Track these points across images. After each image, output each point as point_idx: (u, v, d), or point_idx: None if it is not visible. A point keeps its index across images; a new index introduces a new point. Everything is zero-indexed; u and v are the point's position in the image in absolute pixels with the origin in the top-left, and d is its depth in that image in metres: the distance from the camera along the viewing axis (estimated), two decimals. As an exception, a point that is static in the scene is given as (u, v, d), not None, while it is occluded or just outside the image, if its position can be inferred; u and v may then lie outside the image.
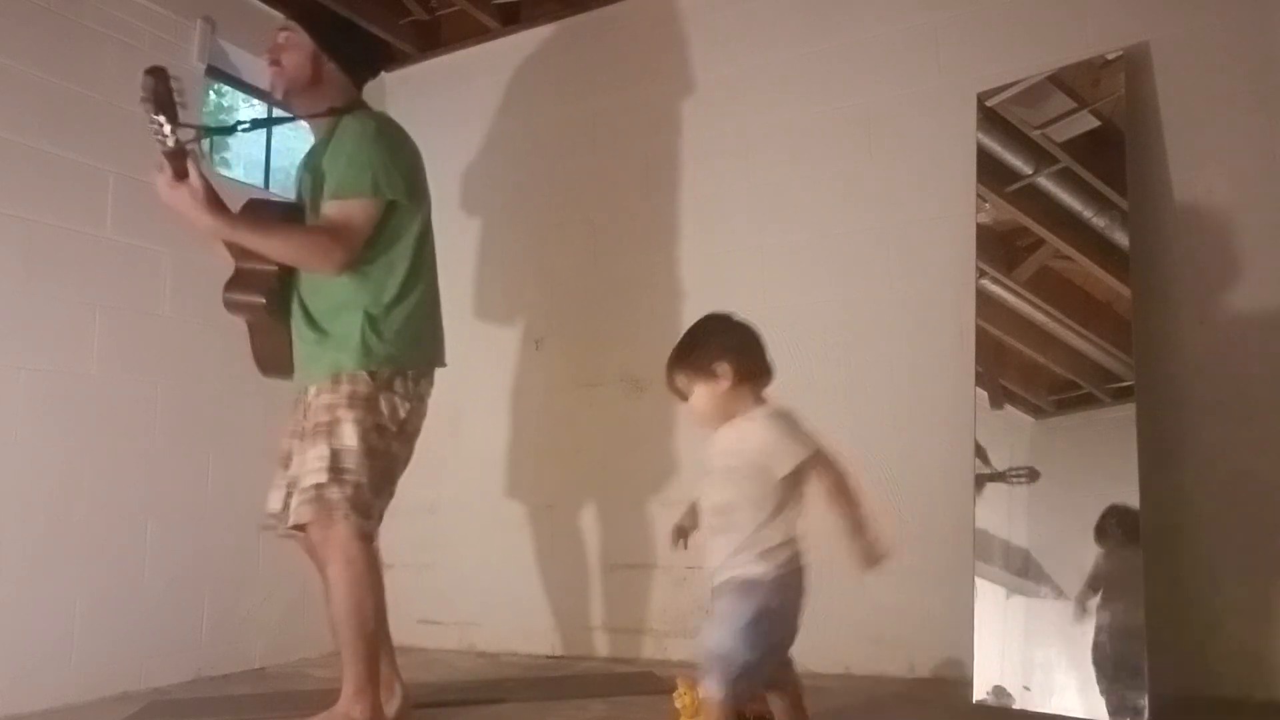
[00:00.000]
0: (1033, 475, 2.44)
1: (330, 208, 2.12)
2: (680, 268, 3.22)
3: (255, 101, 3.47)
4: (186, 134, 1.93)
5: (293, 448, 2.17)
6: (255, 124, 2.30)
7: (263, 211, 2.24)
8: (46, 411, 2.61)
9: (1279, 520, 2.28)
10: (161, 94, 1.84)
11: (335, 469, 2.02)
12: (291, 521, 2.07)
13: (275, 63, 2.26)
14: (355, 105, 2.30)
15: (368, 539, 2.07)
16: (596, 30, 3.50)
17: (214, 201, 2.03)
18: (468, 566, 3.44)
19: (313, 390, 2.14)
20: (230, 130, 2.23)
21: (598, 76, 3.49)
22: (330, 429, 2.05)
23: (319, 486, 2.01)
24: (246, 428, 3.12)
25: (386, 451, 2.11)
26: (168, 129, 1.86)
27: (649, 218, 3.30)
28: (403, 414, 2.14)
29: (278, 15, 3.39)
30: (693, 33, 3.30)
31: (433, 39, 3.82)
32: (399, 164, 2.18)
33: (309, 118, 2.31)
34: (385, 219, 2.15)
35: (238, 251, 2.17)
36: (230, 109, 3.53)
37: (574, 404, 3.35)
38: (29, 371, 2.58)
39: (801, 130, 3.06)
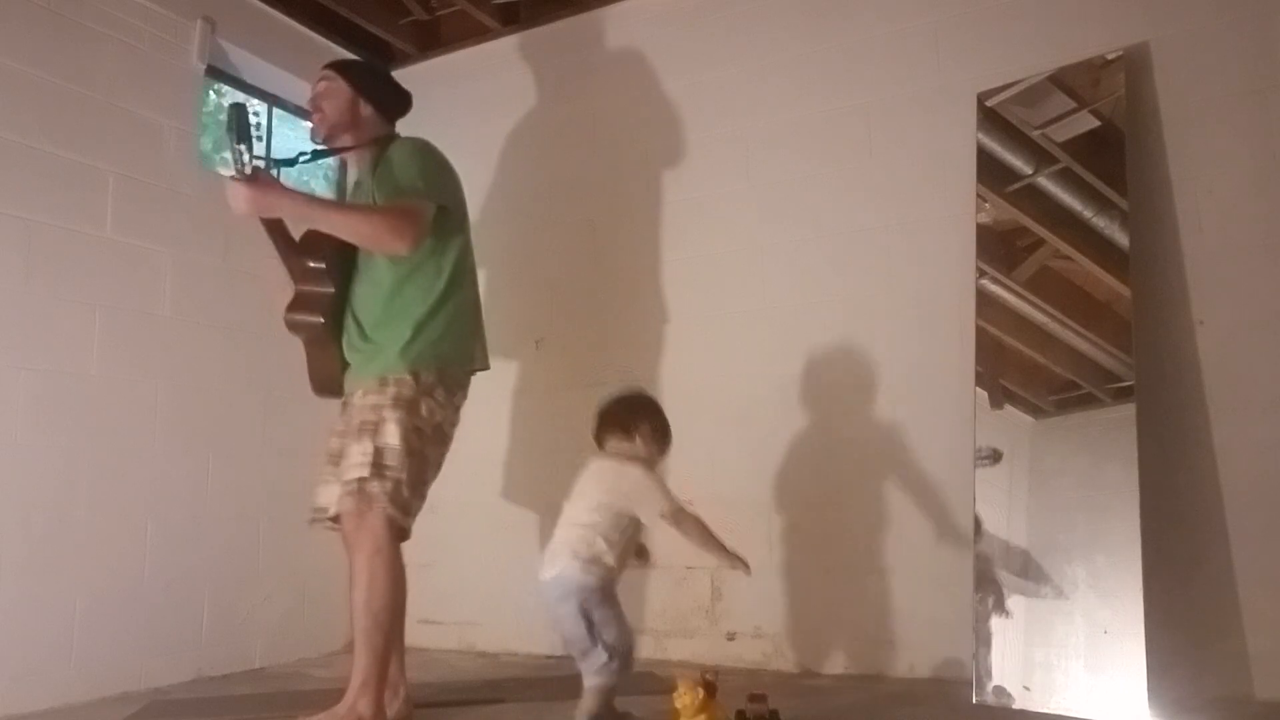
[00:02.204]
0: (996, 456, 2.46)
1: (396, 200, 2.25)
2: (681, 267, 3.22)
3: (254, 101, 3.47)
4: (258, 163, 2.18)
5: (341, 446, 2.26)
6: (315, 154, 2.51)
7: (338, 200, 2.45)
8: (46, 411, 2.61)
9: (1278, 521, 2.29)
10: (243, 126, 2.09)
11: (378, 465, 2.13)
12: (333, 511, 2.20)
13: (317, 109, 2.42)
14: (394, 136, 2.46)
15: (400, 535, 2.19)
16: (596, 30, 3.50)
17: (285, 190, 2.23)
18: (468, 566, 3.44)
19: (359, 392, 2.25)
20: (292, 162, 2.46)
21: (598, 76, 3.49)
22: (375, 428, 2.16)
23: (361, 480, 2.13)
24: (246, 428, 3.13)
25: (423, 453, 2.22)
26: (247, 157, 2.10)
27: (649, 218, 3.30)
28: (439, 419, 2.26)
29: (277, 15, 3.42)
30: (693, 33, 3.30)
31: (433, 39, 3.82)
32: (444, 177, 2.36)
33: (355, 148, 2.44)
34: (435, 226, 2.28)
35: (298, 275, 2.31)
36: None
37: (574, 404, 3.33)
38: (29, 371, 2.58)
39: (801, 130, 3.06)
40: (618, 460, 2.16)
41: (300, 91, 3.44)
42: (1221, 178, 2.44)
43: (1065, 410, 2.47)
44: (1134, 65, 2.56)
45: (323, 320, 2.31)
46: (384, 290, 2.28)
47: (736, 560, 2.13)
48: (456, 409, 2.35)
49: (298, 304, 2.33)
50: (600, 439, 2.23)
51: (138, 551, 2.81)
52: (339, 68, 2.48)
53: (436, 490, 3.49)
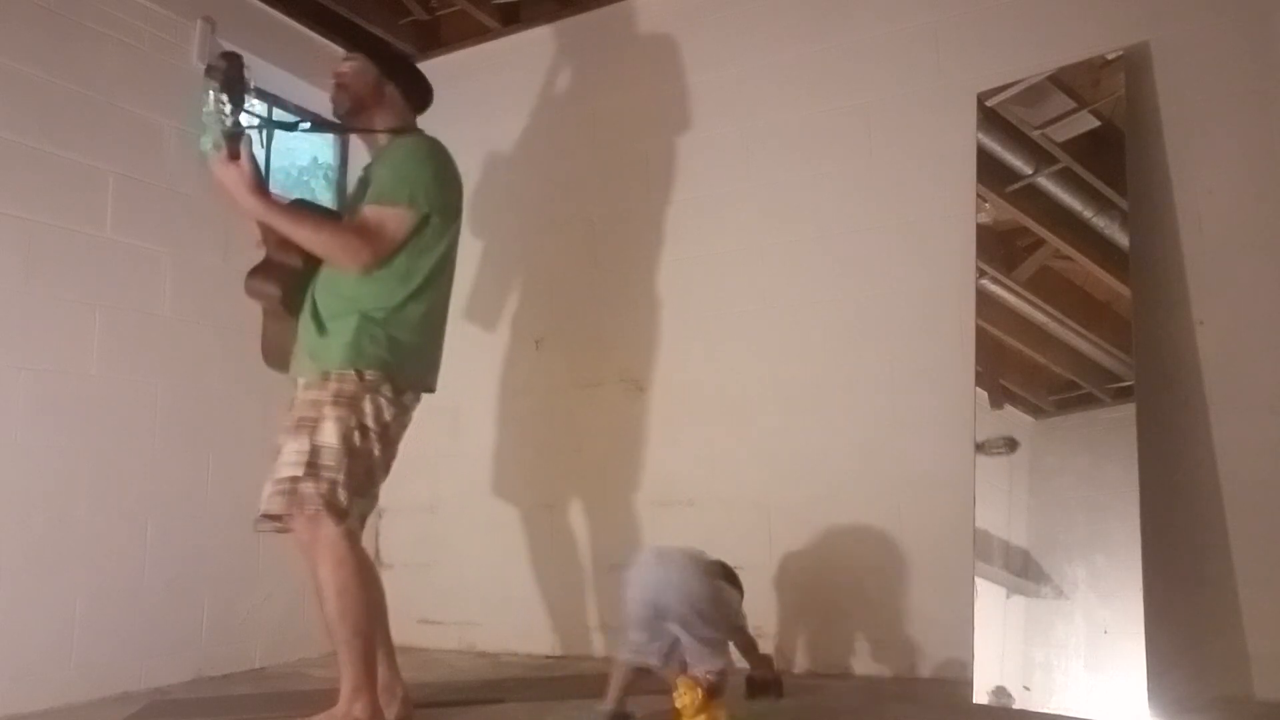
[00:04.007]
0: (1011, 445, 2.46)
1: (368, 210, 2.20)
2: (680, 267, 3.22)
3: (255, 101, 3.47)
4: (245, 120, 2.06)
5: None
6: (315, 126, 2.43)
7: (305, 208, 2.37)
8: (46, 411, 2.61)
9: (1278, 521, 2.29)
10: (232, 77, 1.96)
11: (312, 464, 2.04)
12: (262, 510, 2.10)
13: (341, 85, 2.37)
14: (411, 129, 2.41)
15: (354, 539, 2.10)
16: (596, 30, 3.50)
17: (258, 185, 2.13)
18: (468, 566, 3.44)
19: (301, 383, 2.19)
20: (291, 127, 2.33)
21: (598, 76, 3.49)
22: (314, 425, 2.08)
23: (294, 479, 2.04)
24: (246, 428, 3.13)
25: (368, 453, 2.13)
26: (228, 109, 1.98)
27: (649, 218, 3.30)
28: (387, 417, 2.16)
29: (277, 15, 3.42)
30: (693, 33, 3.31)
31: (433, 39, 3.82)
32: (440, 183, 2.28)
33: (366, 132, 2.41)
34: (415, 232, 2.22)
35: (274, 244, 2.26)
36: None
37: (574, 404, 3.35)
38: (29, 371, 2.57)
39: (801, 130, 3.06)
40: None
41: (300, 92, 3.45)
42: (1221, 178, 2.44)
43: (1065, 410, 2.47)
44: (1134, 65, 2.56)
45: (279, 293, 2.24)
46: (346, 280, 2.19)
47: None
48: (406, 409, 2.24)
49: (261, 270, 2.26)
50: None
51: (138, 551, 2.81)
52: (367, 50, 2.45)
53: (436, 490, 3.52)
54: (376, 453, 2.15)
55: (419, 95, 2.46)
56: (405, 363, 2.20)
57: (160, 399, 2.90)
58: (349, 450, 2.08)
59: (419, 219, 2.21)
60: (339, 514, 2.05)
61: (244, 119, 2.03)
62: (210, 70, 1.98)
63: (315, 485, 2.03)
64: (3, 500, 2.49)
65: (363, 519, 2.18)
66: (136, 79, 2.92)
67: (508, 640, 3.32)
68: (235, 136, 2.05)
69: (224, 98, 1.97)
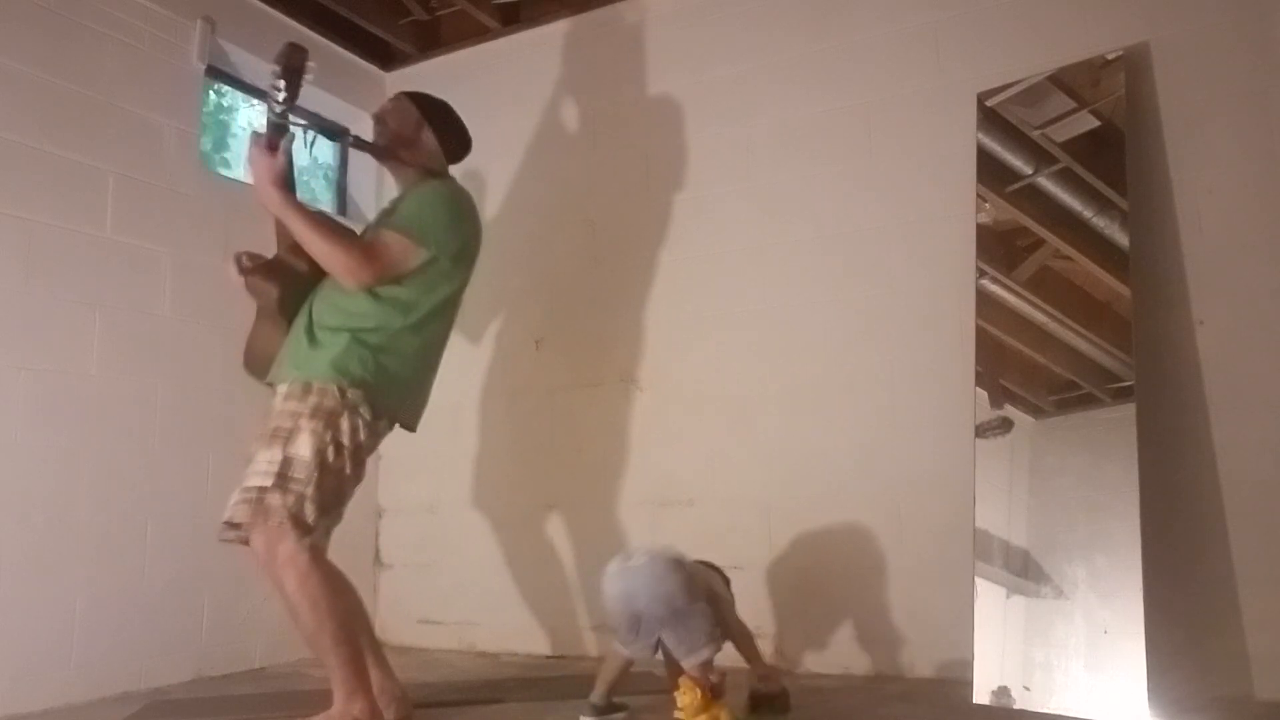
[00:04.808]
0: (1006, 426, 2.47)
1: (381, 234, 2.25)
2: (680, 268, 3.22)
3: (255, 102, 3.47)
4: (294, 118, 2.11)
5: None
6: (359, 141, 2.48)
7: (324, 216, 2.40)
8: (46, 411, 2.61)
9: (1278, 520, 2.29)
10: (293, 68, 1.99)
11: (282, 475, 2.03)
12: (226, 517, 2.08)
13: (381, 121, 2.47)
14: (442, 173, 2.47)
15: (317, 554, 2.07)
16: (596, 30, 3.50)
17: (282, 181, 2.16)
18: (468, 566, 3.44)
19: (282, 390, 2.16)
20: (336, 136, 2.36)
21: (598, 76, 3.49)
22: (289, 436, 2.06)
23: (262, 490, 2.02)
24: (246, 428, 3.10)
25: (340, 470, 2.11)
26: (282, 97, 2.00)
27: (649, 218, 3.30)
28: (361, 438, 2.14)
29: (277, 15, 3.42)
30: (693, 33, 3.31)
31: (433, 39, 3.83)
32: (456, 228, 2.32)
33: (406, 165, 2.44)
34: (423, 269, 2.24)
35: (286, 246, 2.28)
36: (230, 109, 3.53)
37: (574, 404, 3.35)
38: (29, 371, 2.58)
39: (801, 130, 3.06)
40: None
41: (302, 92, 3.45)
42: (1221, 178, 2.44)
43: (1065, 410, 2.47)
44: (1134, 65, 2.56)
45: (277, 292, 2.24)
46: (347, 298, 2.20)
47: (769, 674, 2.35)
48: (378, 436, 2.23)
49: (266, 268, 2.27)
50: None
51: (138, 551, 2.81)
52: (409, 94, 2.52)
53: (436, 490, 3.52)
54: (348, 471, 2.13)
55: (456, 145, 2.53)
56: (388, 391, 2.20)
57: (160, 399, 2.91)
58: (321, 465, 2.05)
59: (425, 258, 2.23)
60: (303, 529, 2.03)
61: (295, 115, 2.07)
62: (276, 56, 2.00)
63: (283, 498, 2.02)
64: (3, 500, 2.49)
65: (328, 532, 2.16)
66: (136, 79, 2.92)
67: (508, 640, 3.32)
68: (280, 129, 2.08)
69: (280, 84, 1.99)
